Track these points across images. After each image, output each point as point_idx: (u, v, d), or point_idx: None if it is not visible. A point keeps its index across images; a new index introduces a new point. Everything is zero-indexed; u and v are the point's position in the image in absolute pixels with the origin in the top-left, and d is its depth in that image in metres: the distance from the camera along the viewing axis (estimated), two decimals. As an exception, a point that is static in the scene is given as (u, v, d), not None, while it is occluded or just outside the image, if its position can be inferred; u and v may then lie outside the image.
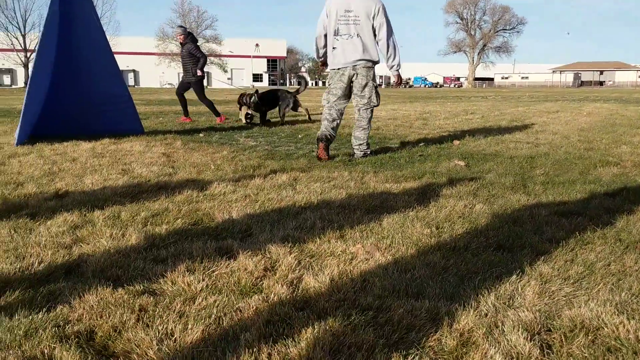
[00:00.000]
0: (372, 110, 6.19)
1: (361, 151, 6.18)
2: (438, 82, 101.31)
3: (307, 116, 10.87)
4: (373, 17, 5.87)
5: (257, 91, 10.23)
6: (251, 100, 10.11)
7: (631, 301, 2.14)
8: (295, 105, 10.23)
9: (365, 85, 6.01)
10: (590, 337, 1.84)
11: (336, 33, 5.91)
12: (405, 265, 2.51)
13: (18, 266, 2.46)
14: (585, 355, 1.74)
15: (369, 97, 6.05)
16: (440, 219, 3.34)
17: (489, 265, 2.53)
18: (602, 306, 2.08)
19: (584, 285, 2.31)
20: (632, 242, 2.85)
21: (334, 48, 5.97)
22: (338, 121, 6.13)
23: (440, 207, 3.65)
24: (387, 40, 5.94)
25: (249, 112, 10.24)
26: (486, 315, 2.00)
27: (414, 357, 1.69)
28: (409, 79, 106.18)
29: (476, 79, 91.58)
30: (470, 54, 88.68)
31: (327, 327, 1.87)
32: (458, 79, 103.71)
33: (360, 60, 5.92)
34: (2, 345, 1.76)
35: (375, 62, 6.07)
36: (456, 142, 7.36)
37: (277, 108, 10.35)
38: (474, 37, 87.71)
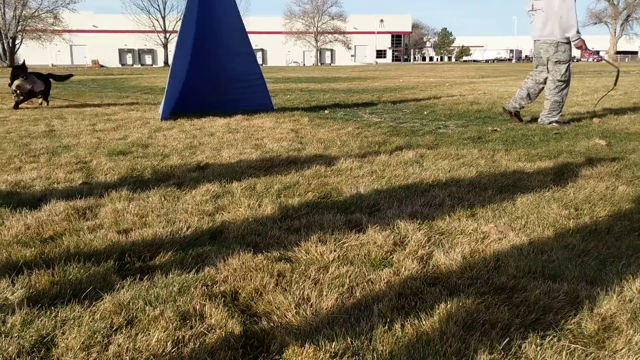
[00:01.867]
0: (559, 85, 6.43)
1: (545, 118, 6.59)
2: (575, 56, 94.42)
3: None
4: None
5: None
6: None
7: None
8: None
9: (547, 60, 6.45)
10: None
11: (532, 8, 6.58)
12: (542, 247, 2.43)
13: (169, 230, 2.70)
14: None
15: (551, 72, 6.43)
16: (579, 201, 3.17)
17: (633, 250, 2.38)
18: None
19: None
20: None
21: (531, 22, 6.67)
22: (531, 90, 6.67)
23: (579, 188, 3.46)
24: (563, 12, 6.24)
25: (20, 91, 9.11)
26: (630, 301, 1.89)
27: (551, 339, 1.65)
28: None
29: (617, 52, 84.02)
30: (611, 26, 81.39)
31: (460, 304, 1.87)
32: (597, 52, 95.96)
33: (540, 36, 6.45)
34: (160, 300, 1.96)
35: (556, 39, 6.34)
36: (596, 120, 6.87)
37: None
38: (616, 7, 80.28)
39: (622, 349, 1.60)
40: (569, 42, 6.30)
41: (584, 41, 6.33)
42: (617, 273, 2.12)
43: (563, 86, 6.42)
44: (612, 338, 1.66)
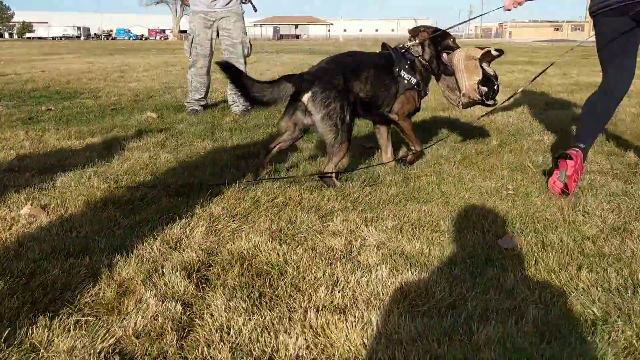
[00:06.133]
0: None
1: None
2: (143, 35, 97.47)
3: None
4: None
5: None
6: None
7: (286, 228, 2.37)
8: None
9: None
10: (245, 266, 1.99)
11: None
12: (73, 224, 2.35)
13: None
14: (237, 282, 1.87)
15: None
16: (120, 172, 3.22)
17: (159, 213, 2.52)
18: (259, 236, 2.26)
19: (249, 220, 2.48)
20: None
21: None
22: None
23: (124, 160, 3.53)
24: None
25: None
26: (148, 261, 2.00)
27: (62, 317, 1.60)
28: (111, 30, 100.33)
29: (181, 31, 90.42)
30: (173, 6, 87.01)
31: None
32: (163, 31, 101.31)
33: None
34: None
35: None
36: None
37: None
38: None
39: (133, 310, 1.66)
40: None
41: None
42: (141, 236, 2.21)
43: None
44: (124, 301, 1.72)
